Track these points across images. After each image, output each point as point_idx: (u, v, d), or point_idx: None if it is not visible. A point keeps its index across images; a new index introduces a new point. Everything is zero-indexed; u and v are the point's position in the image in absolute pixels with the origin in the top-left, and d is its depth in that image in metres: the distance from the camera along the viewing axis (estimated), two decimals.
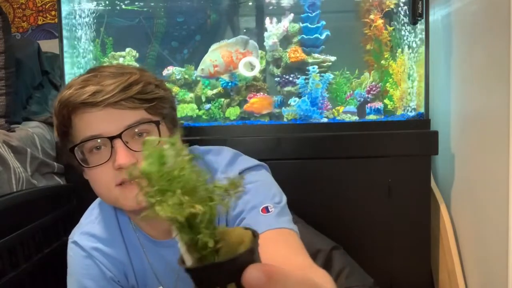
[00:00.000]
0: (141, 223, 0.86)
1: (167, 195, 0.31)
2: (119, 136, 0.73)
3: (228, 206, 0.32)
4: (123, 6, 1.72)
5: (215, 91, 1.63)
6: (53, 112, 0.78)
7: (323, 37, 1.60)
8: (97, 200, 0.91)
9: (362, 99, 1.59)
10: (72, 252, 0.87)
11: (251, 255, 0.32)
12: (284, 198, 0.81)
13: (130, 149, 0.73)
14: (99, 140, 0.74)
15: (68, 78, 1.54)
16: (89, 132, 0.74)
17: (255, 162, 0.86)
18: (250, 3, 1.76)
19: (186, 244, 0.32)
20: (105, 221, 0.88)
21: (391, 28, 1.64)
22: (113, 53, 1.67)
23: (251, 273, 0.29)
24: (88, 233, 0.87)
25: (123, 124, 0.73)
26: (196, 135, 1.47)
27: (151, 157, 0.31)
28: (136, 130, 0.75)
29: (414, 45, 1.55)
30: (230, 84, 1.61)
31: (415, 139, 1.45)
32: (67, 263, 0.89)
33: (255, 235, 0.33)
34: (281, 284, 0.30)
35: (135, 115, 0.74)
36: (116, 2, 1.70)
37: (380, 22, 1.63)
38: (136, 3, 1.73)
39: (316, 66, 1.57)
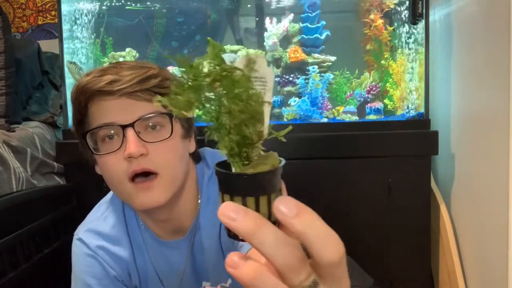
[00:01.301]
0: (149, 221, 0.86)
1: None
2: (131, 125, 0.73)
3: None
4: (124, 6, 1.72)
5: None
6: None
7: (323, 37, 1.60)
8: (107, 196, 0.91)
9: (362, 99, 1.59)
10: (77, 249, 0.87)
11: (268, 178, 0.33)
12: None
13: (142, 139, 0.73)
14: (112, 131, 0.74)
15: (68, 78, 1.54)
16: (103, 120, 0.74)
17: None
18: (249, 5, 1.76)
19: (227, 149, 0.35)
20: (111, 218, 0.87)
21: (391, 28, 1.64)
22: (113, 53, 1.67)
23: (284, 202, 0.30)
24: (93, 230, 0.87)
25: (136, 114, 0.74)
26: (196, 135, 1.47)
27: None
28: (150, 124, 0.75)
29: (414, 45, 1.55)
30: None
31: (415, 139, 1.45)
32: (67, 262, 0.88)
33: (280, 162, 0.35)
34: (306, 224, 0.30)
35: (149, 107, 0.74)
36: (116, 2, 1.70)
37: (380, 22, 1.63)
38: (136, 3, 1.73)
39: (316, 66, 1.57)
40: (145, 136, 0.74)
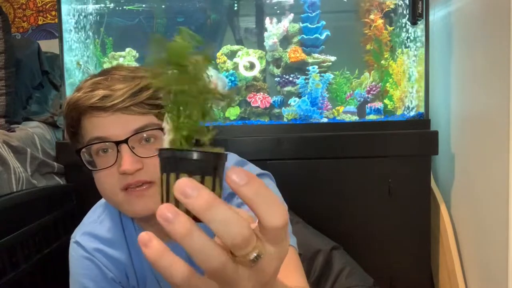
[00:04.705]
0: (144, 224, 0.86)
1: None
2: (125, 141, 0.72)
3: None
4: (124, 7, 1.72)
5: None
6: (62, 112, 0.79)
7: (323, 37, 1.60)
8: (102, 200, 0.91)
9: (362, 99, 1.59)
10: (74, 252, 0.87)
11: (210, 160, 0.35)
12: (285, 207, 0.81)
13: (136, 154, 0.73)
14: (107, 143, 0.74)
15: (68, 78, 1.54)
16: (97, 135, 0.74)
17: (258, 170, 0.85)
18: (249, 5, 1.76)
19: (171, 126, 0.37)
20: (108, 221, 0.87)
21: (391, 28, 1.64)
22: (113, 53, 1.67)
23: (235, 172, 0.32)
24: (90, 233, 0.87)
25: (130, 129, 0.73)
26: None
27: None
28: (144, 136, 0.74)
29: (414, 45, 1.55)
30: (230, 84, 1.61)
31: (415, 139, 1.45)
32: (67, 262, 0.89)
33: (222, 153, 0.36)
34: (254, 191, 0.32)
35: (143, 120, 0.73)
36: (116, 2, 1.70)
37: (380, 22, 1.63)
38: (136, 3, 1.73)
39: (316, 66, 1.57)
40: (139, 150, 0.73)
